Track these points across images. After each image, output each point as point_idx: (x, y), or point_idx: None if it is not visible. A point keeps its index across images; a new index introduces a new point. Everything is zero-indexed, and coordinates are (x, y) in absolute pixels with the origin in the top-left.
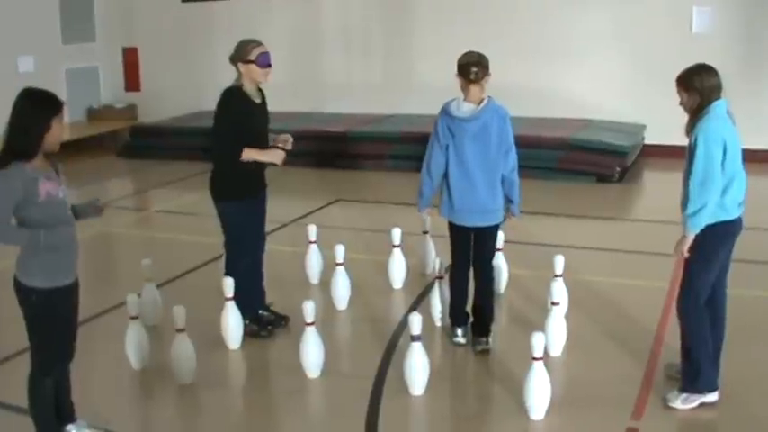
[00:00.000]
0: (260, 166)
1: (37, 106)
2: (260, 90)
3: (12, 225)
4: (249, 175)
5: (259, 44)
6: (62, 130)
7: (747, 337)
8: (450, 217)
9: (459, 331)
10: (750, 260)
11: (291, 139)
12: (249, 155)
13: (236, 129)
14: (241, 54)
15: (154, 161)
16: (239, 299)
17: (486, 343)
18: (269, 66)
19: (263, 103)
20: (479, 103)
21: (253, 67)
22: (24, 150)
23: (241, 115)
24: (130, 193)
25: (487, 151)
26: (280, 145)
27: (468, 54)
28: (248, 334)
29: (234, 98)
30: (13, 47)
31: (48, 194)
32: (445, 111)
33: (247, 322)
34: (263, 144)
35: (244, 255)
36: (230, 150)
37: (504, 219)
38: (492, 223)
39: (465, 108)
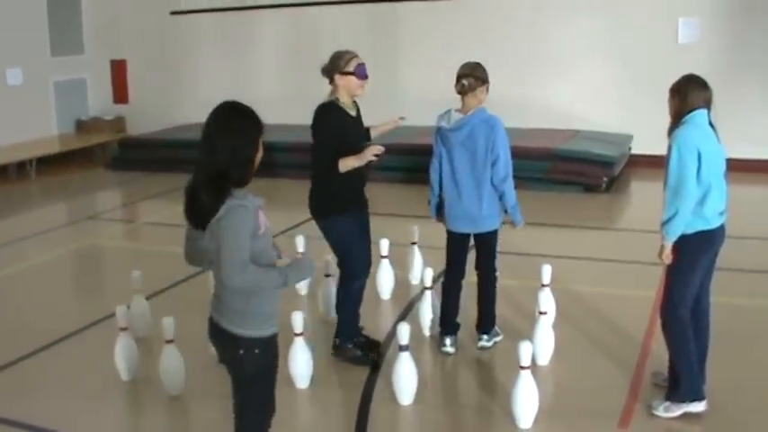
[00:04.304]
0: (358, 181)
1: (249, 123)
2: (354, 102)
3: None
4: (348, 190)
5: (355, 55)
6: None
7: (732, 345)
8: (445, 223)
9: (448, 341)
10: (734, 269)
11: (383, 149)
12: (345, 164)
13: (334, 143)
14: (338, 65)
15: (142, 173)
16: (347, 323)
17: (487, 341)
18: (366, 77)
19: (359, 116)
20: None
21: (351, 78)
22: (243, 176)
23: (338, 130)
24: (119, 205)
25: (474, 160)
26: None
27: (463, 65)
28: (351, 359)
29: (330, 113)
30: (1, 59)
31: (265, 225)
32: (437, 121)
33: (350, 346)
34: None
35: (361, 273)
36: (329, 165)
37: (503, 224)
38: (483, 230)
39: (454, 118)
